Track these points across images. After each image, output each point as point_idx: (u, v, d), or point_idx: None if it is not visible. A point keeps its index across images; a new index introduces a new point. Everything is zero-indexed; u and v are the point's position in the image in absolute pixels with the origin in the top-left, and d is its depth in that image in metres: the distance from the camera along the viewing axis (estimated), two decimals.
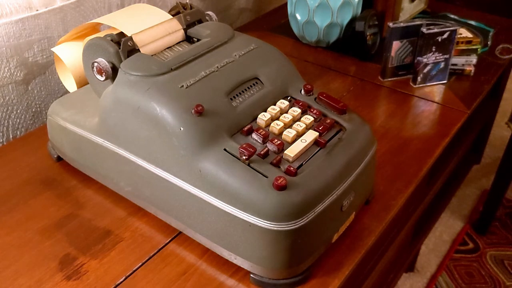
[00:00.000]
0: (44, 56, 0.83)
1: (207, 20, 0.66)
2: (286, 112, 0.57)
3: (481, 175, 1.76)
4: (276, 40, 1.07)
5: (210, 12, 0.67)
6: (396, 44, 0.88)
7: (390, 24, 0.86)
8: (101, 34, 0.65)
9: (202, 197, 0.51)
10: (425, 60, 0.87)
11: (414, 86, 0.90)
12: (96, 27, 0.69)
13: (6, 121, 0.82)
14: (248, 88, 0.58)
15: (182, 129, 0.51)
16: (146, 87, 0.53)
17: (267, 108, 0.57)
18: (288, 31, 1.08)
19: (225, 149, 0.51)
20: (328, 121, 0.57)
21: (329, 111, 0.59)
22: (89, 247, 0.58)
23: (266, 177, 0.49)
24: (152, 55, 0.59)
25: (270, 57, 0.62)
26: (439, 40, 0.85)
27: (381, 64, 0.92)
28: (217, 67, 0.57)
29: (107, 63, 0.56)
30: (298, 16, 1.00)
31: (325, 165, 0.53)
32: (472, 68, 0.93)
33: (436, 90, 0.90)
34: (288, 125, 0.56)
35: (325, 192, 0.51)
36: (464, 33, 0.95)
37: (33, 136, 0.76)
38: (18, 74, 0.81)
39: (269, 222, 0.48)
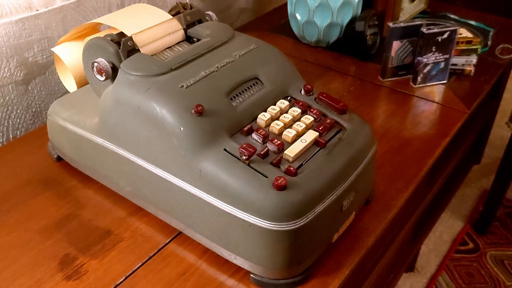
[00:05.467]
0: (44, 56, 0.83)
1: (207, 20, 0.66)
2: (286, 112, 0.57)
3: (481, 175, 1.77)
4: (276, 40, 1.07)
5: (210, 12, 0.67)
6: (396, 44, 0.88)
7: (390, 24, 0.86)
8: (101, 34, 0.65)
9: (202, 197, 0.51)
10: (425, 60, 0.87)
11: (414, 86, 0.90)
12: (96, 27, 0.69)
13: (6, 121, 0.82)
14: (248, 88, 0.58)
15: (182, 129, 0.51)
16: (146, 87, 0.53)
17: (267, 108, 0.57)
18: (288, 31, 1.08)
19: (225, 149, 0.51)
20: (328, 121, 0.57)
21: (329, 111, 0.59)
22: (89, 247, 0.58)
23: (266, 177, 0.49)
24: (152, 55, 0.59)
25: (270, 57, 0.62)
26: (439, 40, 0.85)
27: (381, 64, 0.92)
28: (217, 67, 0.57)
29: (107, 63, 0.56)
30: (298, 16, 1.00)
31: (325, 165, 0.53)
32: (472, 68, 0.93)
33: (436, 90, 0.90)
34: (288, 125, 0.56)
35: (325, 192, 0.51)
36: (464, 33, 0.95)
37: (33, 136, 0.76)
38: (18, 74, 0.81)
39: (269, 222, 0.48)
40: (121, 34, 0.58)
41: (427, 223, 1.12)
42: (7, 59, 0.78)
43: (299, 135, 0.55)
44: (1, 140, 0.83)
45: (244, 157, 0.50)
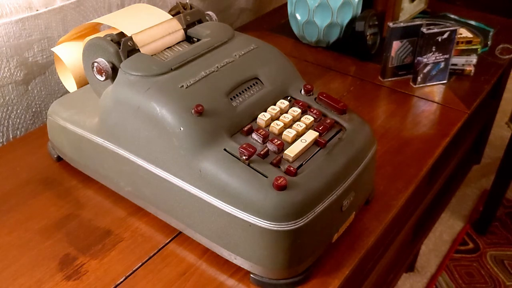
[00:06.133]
0: (44, 56, 0.83)
1: (207, 20, 0.66)
2: (286, 112, 0.57)
3: (481, 175, 1.77)
4: (276, 40, 1.07)
5: (210, 12, 0.67)
6: (396, 44, 0.88)
7: (390, 24, 0.86)
8: (101, 34, 0.65)
9: (202, 197, 0.51)
10: (425, 60, 0.87)
11: (414, 86, 0.90)
12: (96, 27, 0.69)
13: (6, 121, 0.82)
14: (248, 88, 0.58)
15: (182, 129, 0.51)
16: (146, 87, 0.53)
17: (267, 108, 0.57)
18: (288, 31, 1.08)
19: (225, 149, 0.51)
20: (328, 121, 0.57)
21: (329, 111, 0.59)
22: (89, 247, 0.58)
23: (266, 177, 0.49)
24: (152, 55, 0.59)
25: (270, 57, 0.62)
26: (439, 40, 0.85)
27: (381, 64, 0.92)
28: (217, 67, 0.57)
29: (107, 63, 0.56)
30: (298, 16, 1.00)
31: (325, 165, 0.53)
32: (472, 68, 0.93)
33: (436, 90, 0.90)
34: (288, 125, 0.56)
35: (325, 192, 0.51)
36: (464, 33, 0.95)
37: (33, 136, 0.76)
38: (18, 74, 0.81)
39: (269, 222, 0.48)
40: (121, 34, 0.58)
41: (427, 223, 1.12)
42: (7, 59, 0.78)
43: (299, 135, 0.55)
44: (1, 140, 0.83)
45: (244, 157, 0.50)
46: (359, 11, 0.98)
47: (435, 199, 1.07)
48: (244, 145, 0.50)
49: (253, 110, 0.56)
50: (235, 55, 0.60)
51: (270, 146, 0.53)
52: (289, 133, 0.54)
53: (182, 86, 0.54)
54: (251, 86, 0.58)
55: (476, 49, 0.93)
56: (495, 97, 1.25)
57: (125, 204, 0.63)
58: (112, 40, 0.57)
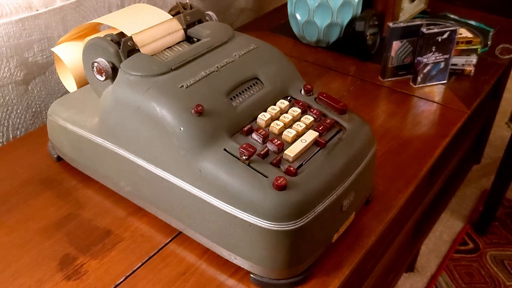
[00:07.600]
0: (44, 56, 0.83)
1: (207, 20, 0.66)
2: (286, 112, 0.57)
3: (481, 175, 1.76)
4: (276, 40, 1.07)
5: (210, 12, 0.67)
6: (396, 44, 0.88)
7: (390, 24, 0.86)
8: (101, 34, 0.65)
9: (202, 197, 0.51)
10: (425, 60, 0.87)
11: (414, 86, 0.90)
12: (96, 27, 0.69)
13: (6, 121, 0.82)
14: (248, 88, 0.58)
15: (182, 129, 0.51)
16: (146, 87, 0.53)
17: (267, 108, 0.57)
18: (288, 31, 1.08)
19: (225, 149, 0.51)
20: (328, 121, 0.57)
21: (329, 111, 0.59)
22: (89, 247, 0.58)
23: (266, 177, 0.49)
24: (152, 55, 0.59)
25: (270, 57, 0.62)
26: (439, 40, 0.85)
27: (381, 64, 0.92)
28: (217, 67, 0.57)
29: (107, 63, 0.56)
30: (298, 16, 1.00)
31: (325, 165, 0.53)
32: (472, 68, 0.93)
33: (436, 90, 0.90)
34: (288, 125, 0.56)
35: (325, 192, 0.51)
36: (464, 33, 0.95)
37: (33, 136, 0.76)
38: (18, 74, 0.81)
39: (269, 222, 0.48)
40: (121, 34, 0.58)
41: (427, 223, 1.12)
42: (7, 59, 0.78)
43: (299, 135, 0.55)
44: (1, 140, 0.83)
45: (244, 157, 0.50)
46: (359, 11, 0.98)
47: (435, 199, 1.07)
48: (244, 145, 0.50)
49: (253, 110, 0.56)
50: (235, 55, 0.60)
51: (270, 146, 0.53)
52: (289, 133, 0.54)
53: (182, 86, 0.54)
54: (251, 86, 0.58)
55: (476, 49, 0.93)
56: (495, 97, 1.25)
57: (125, 204, 0.63)
58: (112, 40, 0.57)
